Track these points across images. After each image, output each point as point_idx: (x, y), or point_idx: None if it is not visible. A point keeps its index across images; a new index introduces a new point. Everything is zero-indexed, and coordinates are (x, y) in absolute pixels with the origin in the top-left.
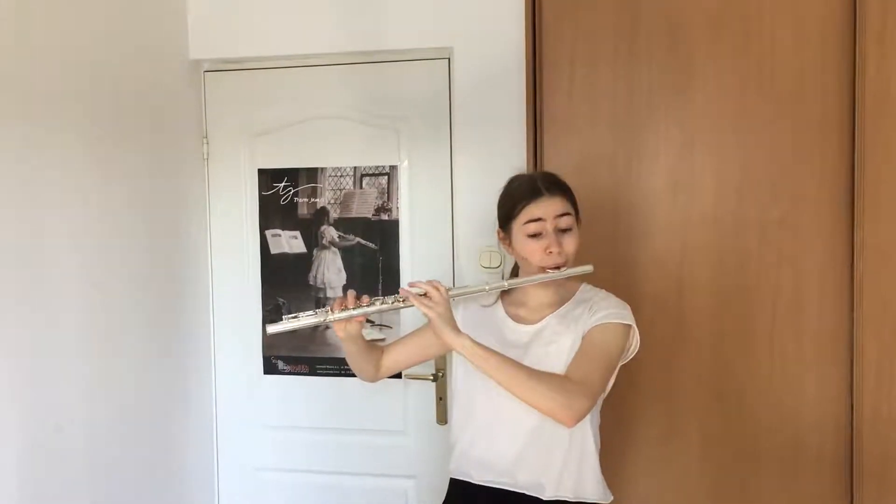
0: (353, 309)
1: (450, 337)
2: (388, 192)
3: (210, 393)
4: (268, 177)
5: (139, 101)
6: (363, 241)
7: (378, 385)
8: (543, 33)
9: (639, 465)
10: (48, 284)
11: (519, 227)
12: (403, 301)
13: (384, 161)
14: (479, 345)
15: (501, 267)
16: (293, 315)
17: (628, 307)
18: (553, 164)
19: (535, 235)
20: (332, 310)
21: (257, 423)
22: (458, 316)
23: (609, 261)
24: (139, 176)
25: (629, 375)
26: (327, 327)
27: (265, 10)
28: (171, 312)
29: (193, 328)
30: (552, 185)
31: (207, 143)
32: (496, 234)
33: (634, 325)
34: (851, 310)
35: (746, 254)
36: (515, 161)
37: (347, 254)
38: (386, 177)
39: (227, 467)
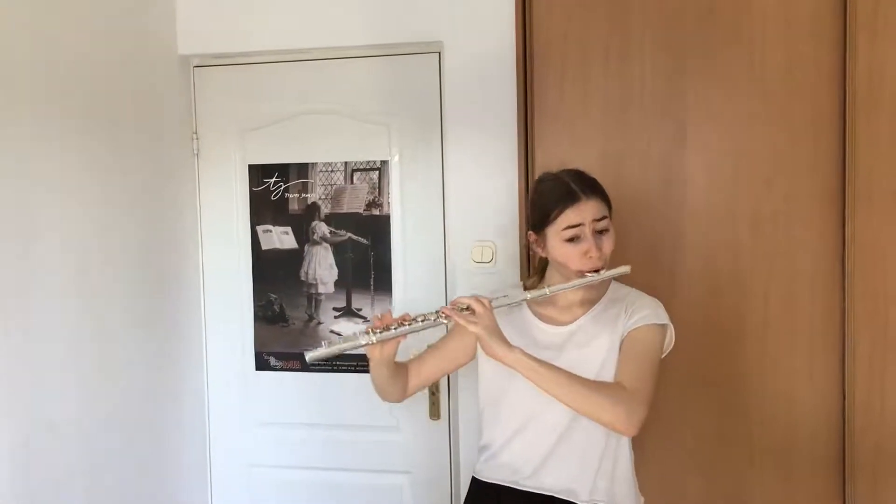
0: (395, 328)
1: (501, 351)
2: (380, 188)
3: (202, 390)
4: (258, 172)
5: (128, 98)
6: (355, 237)
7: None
8: (534, 27)
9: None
10: (37, 282)
11: (556, 232)
12: (446, 318)
13: (375, 156)
14: (532, 357)
15: (493, 262)
16: (334, 339)
17: (662, 305)
18: (544, 157)
19: (572, 239)
20: (372, 330)
21: (250, 419)
22: None
23: None
24: (128, 172)
25: None
26: (320, 322)
27: (254, 5)
28: (163, 309)
29: (185, 324)
30: (587, 187)
31: (197, 139)
32: (527, 237)
33: (670, 323)
34: (843, 304)
35: (738, 248)
36: (507, 154)
37: (339, 249)
38: (377, 172)
39: (221, 464)
